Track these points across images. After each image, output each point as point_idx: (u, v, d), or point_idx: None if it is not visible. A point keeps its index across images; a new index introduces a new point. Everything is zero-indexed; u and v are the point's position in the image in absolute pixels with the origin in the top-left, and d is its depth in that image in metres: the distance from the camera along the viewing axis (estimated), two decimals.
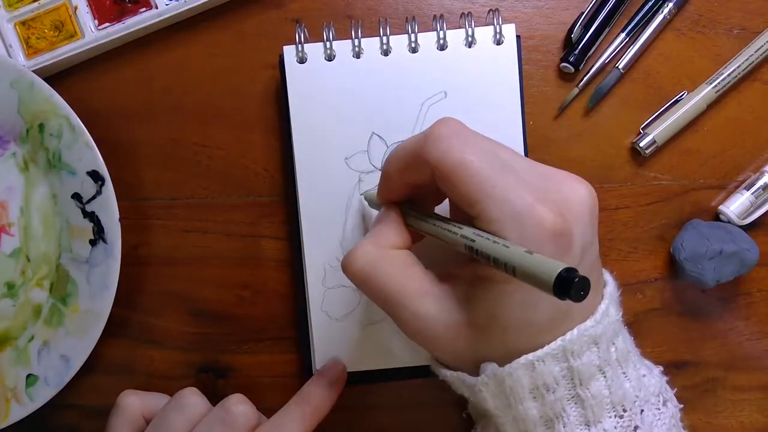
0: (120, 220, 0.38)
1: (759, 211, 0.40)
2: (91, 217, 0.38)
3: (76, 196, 0.39)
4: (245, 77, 0.41)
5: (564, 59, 0.40)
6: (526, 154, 0.38)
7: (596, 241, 0.29)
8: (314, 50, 0.38)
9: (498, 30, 0.38)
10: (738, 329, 0.41)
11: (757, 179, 0.40)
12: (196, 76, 0.41)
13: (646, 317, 0.41)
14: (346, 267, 0.30)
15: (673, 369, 0.40)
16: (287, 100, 0.38)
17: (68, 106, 0.38)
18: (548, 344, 0.27)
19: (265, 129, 0.41)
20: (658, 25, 0.40)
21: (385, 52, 0.38)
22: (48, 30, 0.39)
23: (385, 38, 0.38)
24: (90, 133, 0.38)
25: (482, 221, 0.27)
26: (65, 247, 0.39)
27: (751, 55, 0.40)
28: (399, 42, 0.38)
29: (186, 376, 0.41)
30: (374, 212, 0.37)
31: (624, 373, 0.29)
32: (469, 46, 0.38)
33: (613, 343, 0.29)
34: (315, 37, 0.39)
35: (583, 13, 0.40)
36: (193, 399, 0.34)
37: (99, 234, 0.38)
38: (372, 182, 0.38)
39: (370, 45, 0.38)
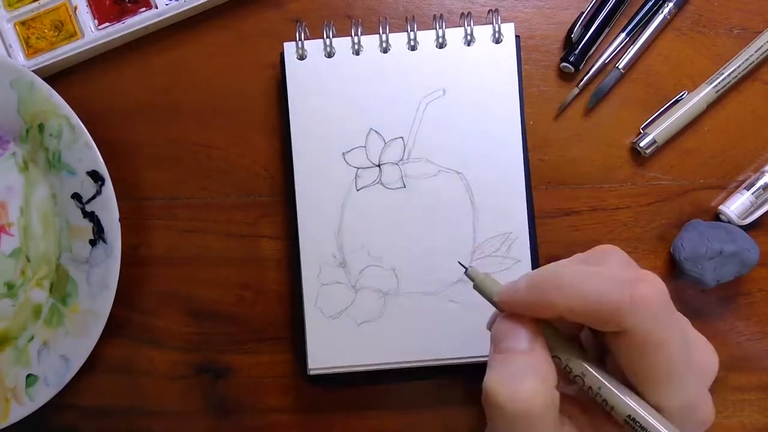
0: (120, 220, 0.38)
1: (759, 211, 0.40)
2: (91, 217, 0.38)
3: (76, 196, 0.38)
4: (245, 77, 0.41)
5: (564, 59, 0.40)
6: (525, 154, 0.38)
7: None
8: (314, 47, 0.38)
9: (497, 29, 0.38)
10: (738, 329, 0.41)
11: (758, 179, 0.40)
12: (196, 76, 0.41)
13: None
14: (506, 404, 0.24)
15: None
16: (287, 97, 0.38)
17: (68, 105, 0.38)
18: None
19: (265, 129, 0.41)
20: (658, 24, 0.40)
21: (385, 50, 0.38)
22: (48, 30, 0.39)
23: (384, 36, 0.38)
24: (90, 133, 0.38)
25: (649, 398, 0.25)
26: (65, 247, 0.39)
27: (751, 55, 0.40)
28: (398, 40, 0.38)
29: (186, 376, 0.41)
30: (374, 213, 0.38)
31: None
32: (468, 45, 0.38)
33: None
34: (314, 37, 0.39)
35: (583, 12, 0.40)
36: None
37: (99, 234, 0.38)
38: (369, 178, 0.38)
39: (370, 42, 0.38)
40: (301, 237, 0.38)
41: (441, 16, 0.38)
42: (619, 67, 0.40)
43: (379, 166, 0.38)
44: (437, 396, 0.40)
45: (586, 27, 0.40)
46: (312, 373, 0.38)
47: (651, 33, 0.40)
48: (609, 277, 0.24)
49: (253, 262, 0.41)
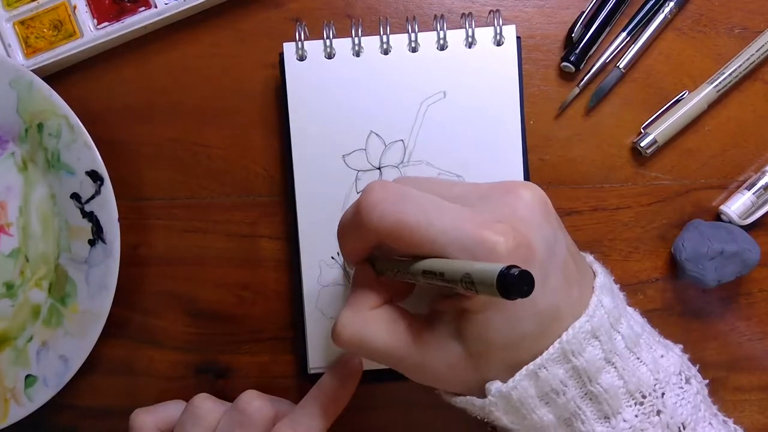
0: (119, 220, 0.38)
1: (760, 211, 0.39)
2: (90, 217, 0.38)
3: (75, 196, 0.38)
4: (245, 77, 0.41)
5: (565, 59, 0.40)
6: (525, 154, 0.38)
7: (563, 236, 0.29)
8: (314, 48, 0.38)
9: (498, 31, 0.38)
10: (739, 329, 0.41)
11: (759, 179, 0.40)
12: (195, 75, 0.41)
13: (647, 317, 0.40)
14: (335, 340, 0.30)
15: None
16: (286, 98, 0.38)
17: (67, 105, 0.37)
18: (547, 350, 0.27)
19: (264, 129, 0.41)
20: (659, 24, 0.40)
21: (385, 51, 0.38)
22: (47, 29, 0.39)
23: (385, 37, 0.38)
24: (89, 133, 0.37)
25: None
26: (64, 247, 0.39)
27: (752, 55, 0.40)
28: (399, 41, 0.38)
29: (186, 376, 0.41)
30: None
31: (638, 358, 0.29)
32: (469, 47, 0.38)
33: (618, 332, 0.28)
34: (314, 37, 0.39)
35: (583, 12, 0.40)
36: (206, 406, 0.34)
37: (98, 234, 0.38)
38: (369, 180, 0.38)
39: (370, 44, 0.38)
40: (302, 239, 0.38)
41: (442, 16, 0.38)
42: (620, 66, 0.40)
43: (379, 168, 0.38)
44: (437, 396, 0.40)
45: (587, 26, 0.40)
46: (312, 372, 0.38)
47: (652, 32, 0.40)
48: (351, 206, 0.29)
49: (253, 262, 0.40)
